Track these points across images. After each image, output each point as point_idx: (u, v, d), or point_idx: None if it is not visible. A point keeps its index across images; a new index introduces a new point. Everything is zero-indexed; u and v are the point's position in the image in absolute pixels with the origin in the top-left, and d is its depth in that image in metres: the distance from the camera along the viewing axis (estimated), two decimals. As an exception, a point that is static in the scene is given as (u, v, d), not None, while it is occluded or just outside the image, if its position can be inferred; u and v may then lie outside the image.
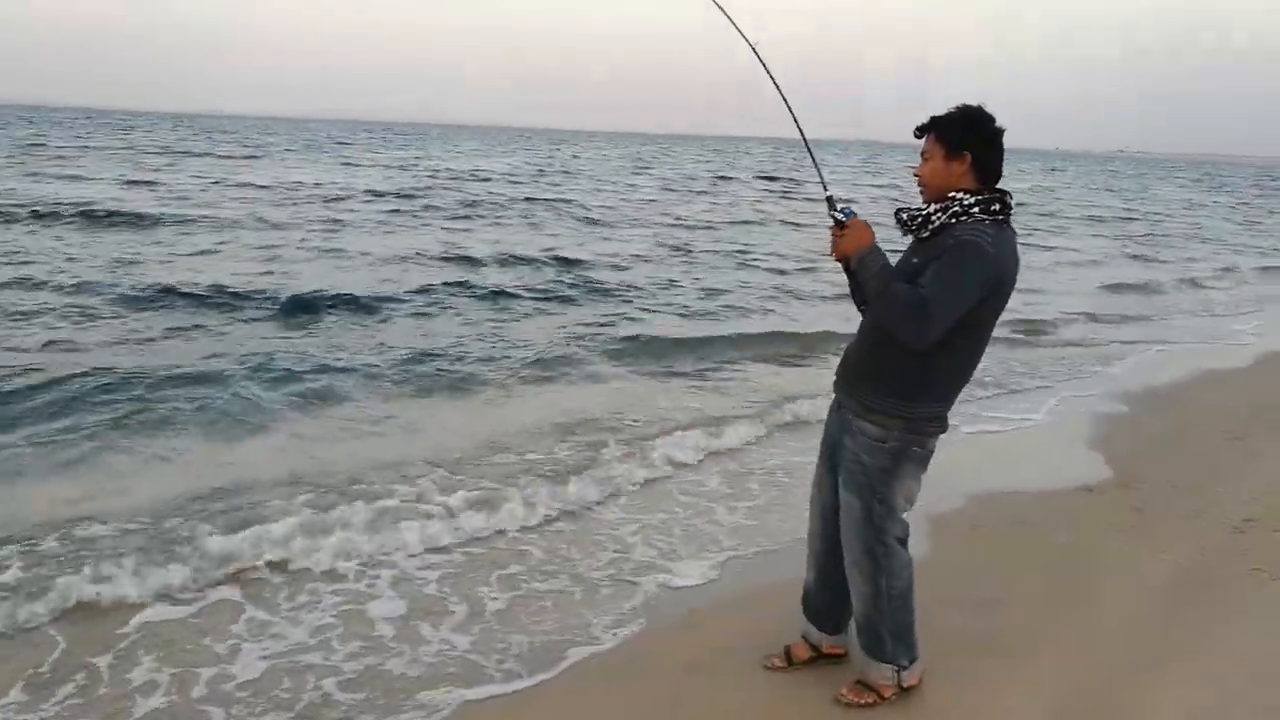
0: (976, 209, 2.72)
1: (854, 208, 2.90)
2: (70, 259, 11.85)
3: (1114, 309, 12.50)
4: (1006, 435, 6.58)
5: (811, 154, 3.23)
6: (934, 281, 2.67)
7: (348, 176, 28.91)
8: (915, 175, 2.86)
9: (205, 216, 16.76)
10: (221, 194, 21.46)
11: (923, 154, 2.83)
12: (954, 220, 2.73)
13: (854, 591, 3.09)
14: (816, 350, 8.95)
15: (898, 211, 2.87)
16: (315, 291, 10.41)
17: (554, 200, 24.03)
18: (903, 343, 2.73)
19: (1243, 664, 3.51)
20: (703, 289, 12.45)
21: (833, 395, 3.13)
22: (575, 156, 55.93)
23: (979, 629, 3.66)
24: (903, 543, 3.02)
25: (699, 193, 30.64)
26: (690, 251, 15.99)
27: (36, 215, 15.32)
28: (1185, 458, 6.05)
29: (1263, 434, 6.60)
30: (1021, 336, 10.00)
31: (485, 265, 13.49)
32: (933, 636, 3.26)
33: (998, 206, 2.74)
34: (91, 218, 15.53)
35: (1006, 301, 2.81)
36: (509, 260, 13.92)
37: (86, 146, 38.61)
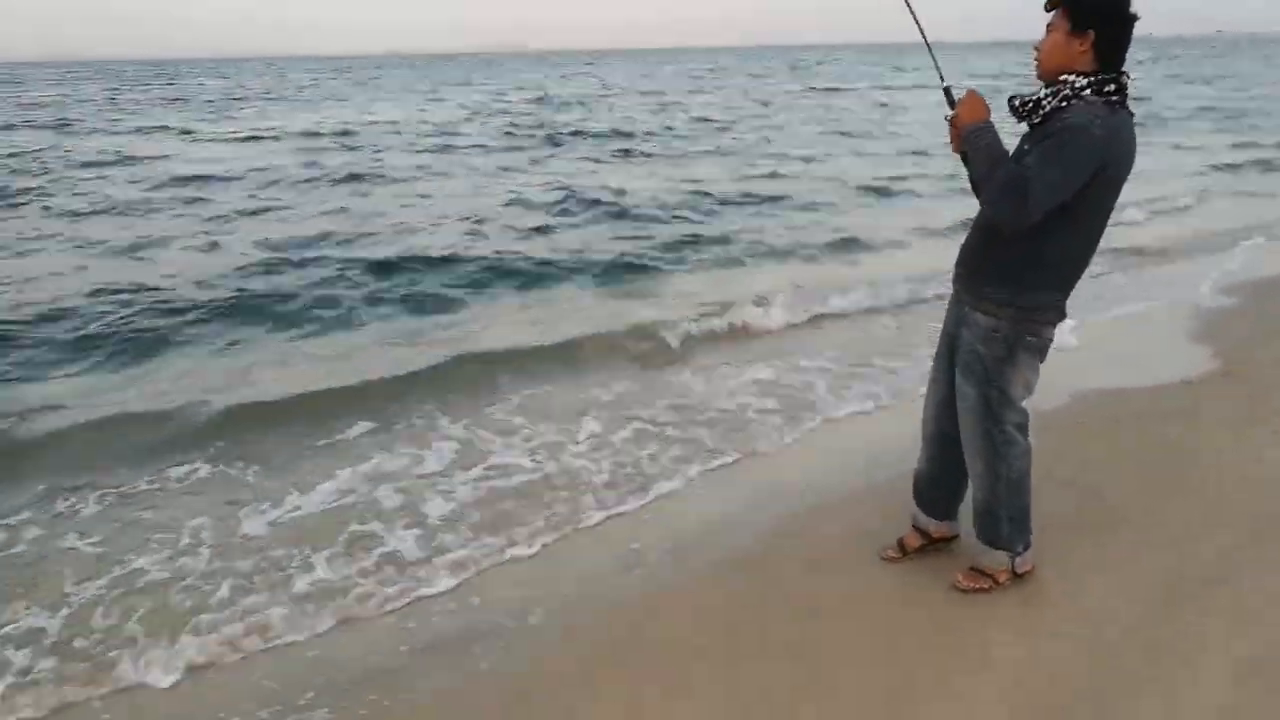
0: (1088, 91, 2.69)
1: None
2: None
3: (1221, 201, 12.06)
4: (1112, 329, 6.52)
5: (929, 46, 3.15)
6: (1037, 163, 2.68)
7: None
8: (1034, 49, 2.83)
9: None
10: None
11: (1048, 27, 2.78)
12: (1064, 104, 2.72)
13: (973, 479, 3.21)
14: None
15: (1010, 98, 2.87)
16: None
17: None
18: (1000, 225, 2.78)
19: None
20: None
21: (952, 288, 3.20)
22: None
23: (1089, 517, 3.76)
24: (1021, 429, 3.10)
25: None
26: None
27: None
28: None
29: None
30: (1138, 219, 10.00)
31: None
32: (1043, 525, 3.38)
33: (1112, 88, 2.69)
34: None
35: (1119, 188, 2.79)
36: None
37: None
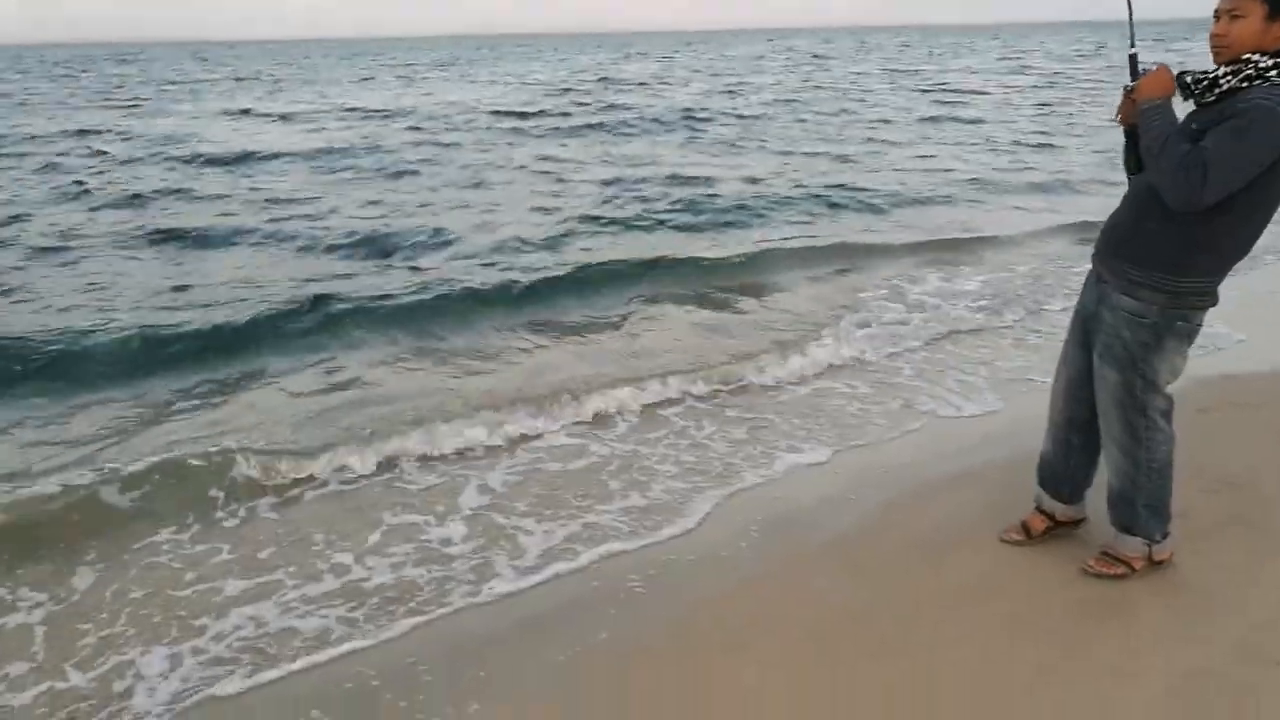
0: (1274, 72, 2.50)
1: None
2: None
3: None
4: (1225, 312, 6.17)
5: (1130, 5, 2.90)
6: (1217, 144, 2.49)
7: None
8: (1214, 37, 2.61)
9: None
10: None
11: (1226, 12, 2.57)
12: (1245, 84, 2.53)
13: (1110, 465, 3.03)
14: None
15: (1181, 74, 2.68)
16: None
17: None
18: (1173, 205, 2.59)
19: None
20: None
21: (1090, 267, 3.02)
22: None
23: (1223, 507, 3.54)
24: (1166, 416, 2.92)
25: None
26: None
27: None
28: None
29: None
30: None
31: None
32: (1176, 514, 3.16)
33: None
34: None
35: None
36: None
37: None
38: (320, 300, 6.65)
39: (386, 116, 21.47)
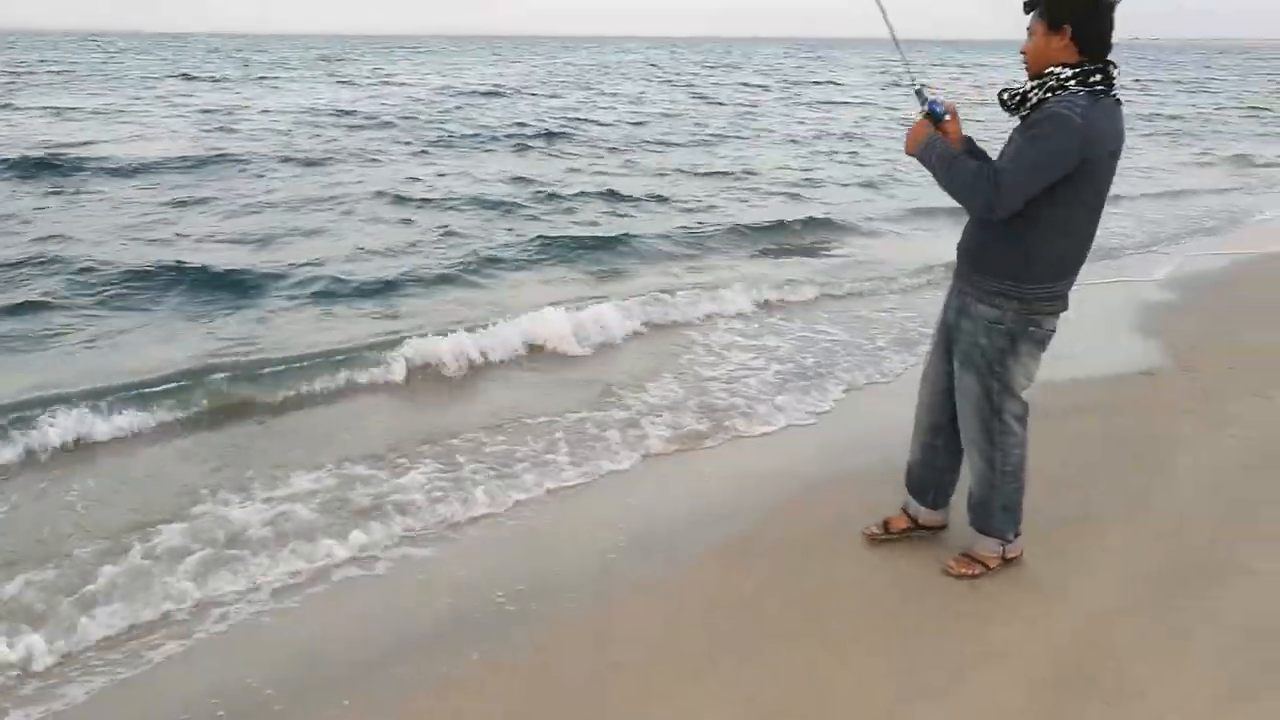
0: (1073, 81, 2.74)
1: (941, 97, 3.02)
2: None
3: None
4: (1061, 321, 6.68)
5: (899, 46, 3.25)
6: (1014, 152, 2.77)
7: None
8: (1022, 53, 2.89)
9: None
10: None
11: (1028, 31, 2.85)
12: (1049, 95, 2.77)
13: (970, 468, 3.24)
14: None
15: (1000, 92, 2.92)
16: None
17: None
18: (975, 215, 2.89)
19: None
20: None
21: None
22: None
23: (1066, 507, 3.82)
24: (1020, 421, 3.13)
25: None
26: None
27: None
28: (1240, 340, 6.14)
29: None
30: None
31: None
32: (1029, 512, 3.41)
33: (1098, 77, 2.74)
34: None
35: (1107, 175, 2.83)
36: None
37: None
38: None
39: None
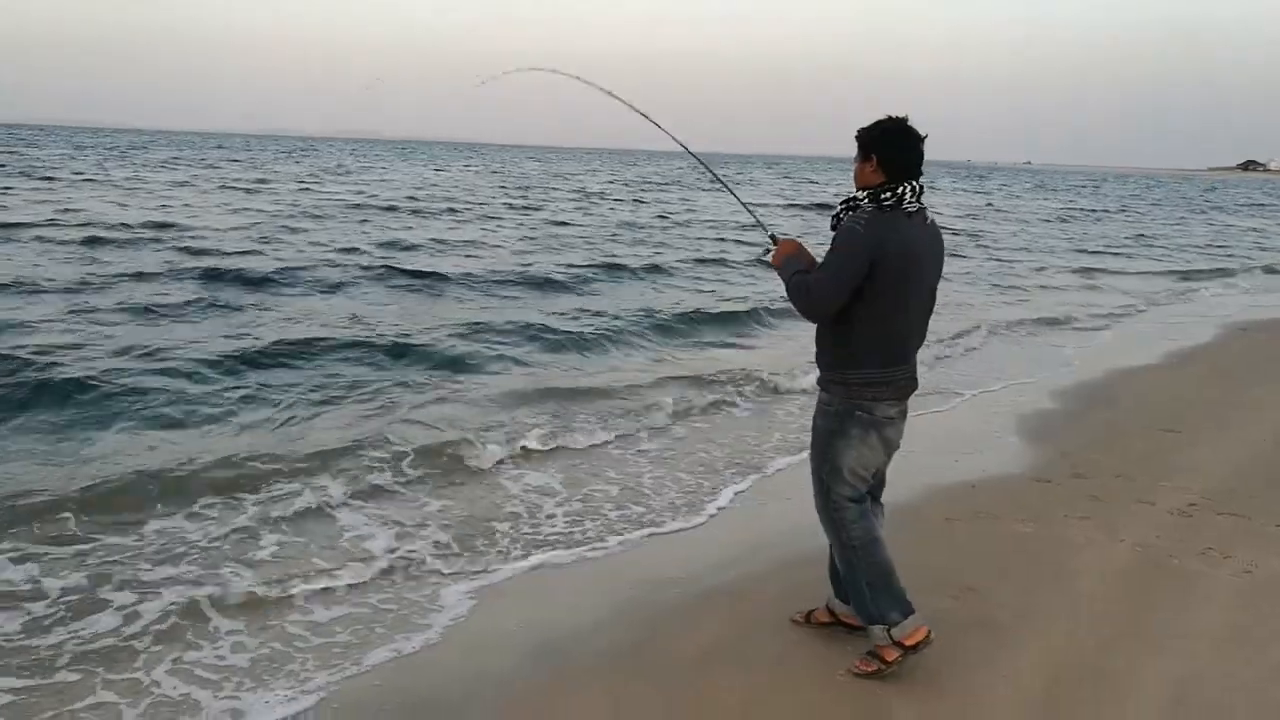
0: (865, 200, 3.16)
1: (776, 230, 3.56)
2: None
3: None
4: (952, 422, 6.98)
5: (744, 203, 4.03)
6: (822, 265, 3.21)
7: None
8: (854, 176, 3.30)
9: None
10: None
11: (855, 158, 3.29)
12: (848, 213, 3.20)
13: (833, 553, 3.43)
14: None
15: (831, 215, 3.32)
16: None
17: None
18: (806, 319, 3.27)
19: (1207, 635, 3.80)
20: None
21: None
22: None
23: (968, 611, 3.87)
24: (855, 501, 3.31)
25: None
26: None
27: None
28: (1126, 449, 6.41)
29: (1193, 426, 7.01)
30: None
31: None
32: (930, 617, 3.42)
33: (887, 195, 3.13)
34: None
35: (906, 276, 3.15)
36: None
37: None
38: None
39: None
